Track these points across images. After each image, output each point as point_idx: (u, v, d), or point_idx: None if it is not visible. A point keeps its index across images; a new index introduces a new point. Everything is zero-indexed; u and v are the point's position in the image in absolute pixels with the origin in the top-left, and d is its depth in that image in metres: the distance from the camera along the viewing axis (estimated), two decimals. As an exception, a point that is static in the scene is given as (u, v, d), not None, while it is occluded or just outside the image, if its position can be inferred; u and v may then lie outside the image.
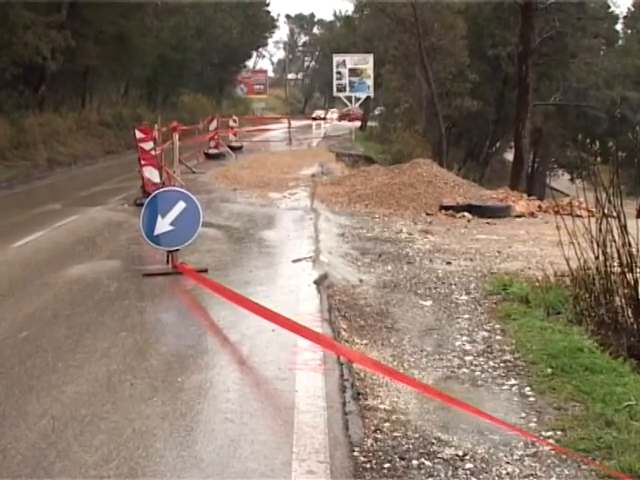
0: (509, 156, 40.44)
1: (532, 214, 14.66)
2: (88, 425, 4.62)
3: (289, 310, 6.67)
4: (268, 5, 75.85)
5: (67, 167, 24.86)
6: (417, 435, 4.49)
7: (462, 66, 37.87)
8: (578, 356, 5.54)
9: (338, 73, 45.18)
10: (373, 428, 4.58)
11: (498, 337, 6.42)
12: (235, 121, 32.61)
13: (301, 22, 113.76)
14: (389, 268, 9.30)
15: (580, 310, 6.60)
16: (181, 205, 8.62)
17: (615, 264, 6.29)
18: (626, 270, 6.17)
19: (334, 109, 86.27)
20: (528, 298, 7.34)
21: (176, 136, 17.37)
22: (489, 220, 13.77)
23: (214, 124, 27.00)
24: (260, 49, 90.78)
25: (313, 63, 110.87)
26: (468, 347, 6.20)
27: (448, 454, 4.23)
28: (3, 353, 6.11)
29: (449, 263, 9.61)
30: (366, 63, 45.00)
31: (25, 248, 10.75)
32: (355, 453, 4.25)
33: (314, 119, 63.60)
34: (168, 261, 8.76)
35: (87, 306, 7.52)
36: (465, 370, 5.66)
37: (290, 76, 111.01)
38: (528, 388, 5.21)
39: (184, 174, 18.96)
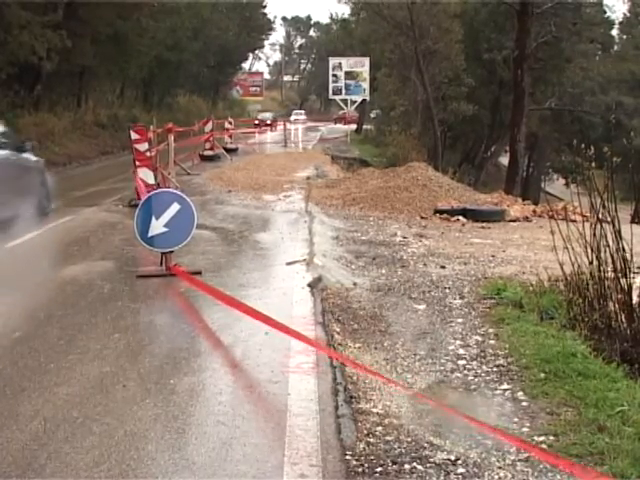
0: (504, 160, 40.51)
1: (526, 218, 14.69)
2: (80, 427, 4.60)
3: (282, 313, 6.67)
4: (265, 7, 76.07)
5: (62, 167, 24.78)
6: (409, 439, 4.48)
7: (458, 70, 37.95)
8: (571, 361, 5.53)
9: (334, 76, 45.32)
10: (365, 432, 4.57)
11: (491, 341, 6.42)
12: (230, 123, 32.62)
13: (297, 24, 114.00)
14: (383, 271, 9.30)
15: (574, 315, 6.61)
16: (175, 207, 8.60)
17: (609, 269, 6.30)
18: (620, 275, 6.18)
19: (300, 110, 78.86)
20: (522, 303, 7.33)
21: (171, 137, 17.34)
22: (484, 224, 13.79)
23: (209, 126, 27.02)
24: (256, 51, 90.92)
25: (309, 66, 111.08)
26: (461, 351, 6.19)
27: (440, 458, 4.22)
28: (-5, 354, 6.09)
29: (443, 267, 9.61)
30: (362, 66, 45.17)
31: (19, 248, 10.71)
32: (347, 457, 4.24)
33: (256, 125, 50.88)
34: (162, 263, 8.74)
35: (80, 307, 7.50)
36: (458, 374, 5.65)
37: (286, 78, 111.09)
38: (521, 393, 5.20)
39: (179, 176, 18.95)
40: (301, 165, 24.89)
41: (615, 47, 52.99)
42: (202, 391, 5.26)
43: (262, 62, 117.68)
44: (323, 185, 18.77)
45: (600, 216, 6.35)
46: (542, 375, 5.42)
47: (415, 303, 7.77)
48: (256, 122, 53.61)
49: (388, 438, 4.49)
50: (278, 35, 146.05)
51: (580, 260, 6.53)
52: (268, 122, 57.12)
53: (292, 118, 59.80)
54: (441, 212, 14.63)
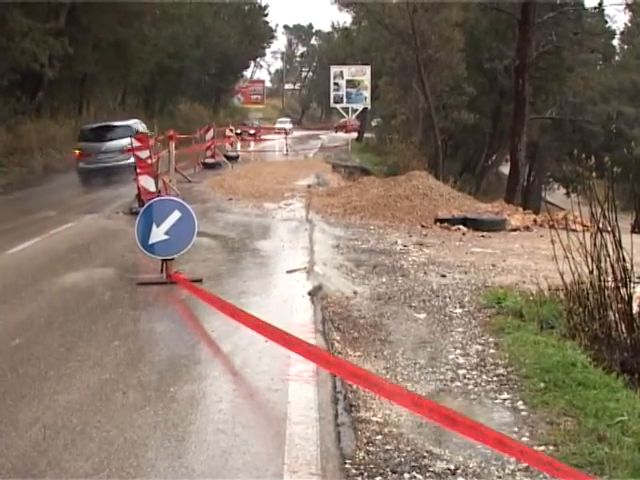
0: (505, 169, 40.51)
1: (527, 228, 14.68)
2: (79, 434, 4.60)
3: (283, 321, 6.66)
4: (266, 15, 76.11)
5: (63, 174, 24.81)
6: (409, 448, 4.47)
7: (459, 79, 37.97)
8: (571, 371, 5.53)
9: (335, 84, 45.29)
10: (365, 440, 4.57)
11: (492, 351, 6.42)
12: (232, 130, 32.63)
13: (299, 33, 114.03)
14: (383, 280, 9.29)
15: (574, 324, 6.60)
16: (176, 214, 8.61)
17: (609, 279, 6.30)
18: (620, 285, 6.18)
19: (285, 118, 73.58)
20: (522, 312, 7.33)
21: (172, 145, 17.35)
22: (484, 233, 13.78)
23: (211, 133, 27.04)
24: (258, 59, 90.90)
25: (310, 74, 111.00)
26: (461, 360, 6.19)
27: (440, 468, 4.22)
28: (-5, 360, 6.09)
29: (444, 276, 9.61)
30: (363, 74, 45.13)
31: (20, 255, 10.73)
32: (347, 465, 4.24)
33: (238, 135, 39.28)
34: (162, 270, 8.75)
35: (80, 314, 7.51)
36: (458, 383, 5.65)
37: (287, 86, 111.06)
38: (521, 402, 5.20)
39: (180, 183, 18.95)
40: (302, 173, 24.90)
41: (616, 57, 53.01)
42: (202, 399, 5.26)
43: (263, 70, 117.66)
44: (324, 193, 18.78)
45: (600, 226, 6.35)
46: (542, 385, 5.41)
47: (415, 312, 7.76)
48: (238, 131, 41.44)
49: (388, 447, 4.49)
50: (280, 43, 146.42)
51: (580, 270, 6.52)
52: (251, 131, 49.10)
53: (276, 127, 50.72)
54: (442, 221, 14.63)
